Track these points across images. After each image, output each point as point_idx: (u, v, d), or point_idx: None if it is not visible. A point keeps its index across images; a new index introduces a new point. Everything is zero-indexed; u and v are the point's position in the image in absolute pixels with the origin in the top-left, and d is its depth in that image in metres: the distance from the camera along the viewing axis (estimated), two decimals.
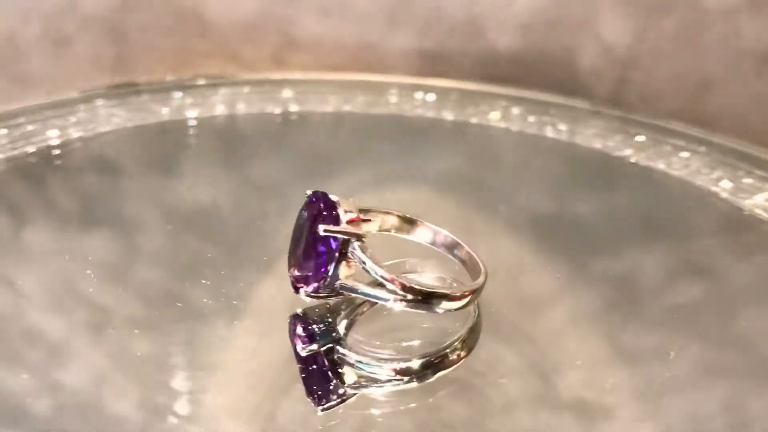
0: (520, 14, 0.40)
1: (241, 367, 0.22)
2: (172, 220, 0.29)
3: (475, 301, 0.23)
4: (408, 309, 0.22)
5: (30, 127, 0.33)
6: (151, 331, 0.23)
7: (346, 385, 0.21)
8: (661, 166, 0.33)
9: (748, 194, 0.31)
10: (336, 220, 0.22)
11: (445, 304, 0.22)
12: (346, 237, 0.22)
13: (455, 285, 0.24)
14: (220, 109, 0.37)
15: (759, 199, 0.30)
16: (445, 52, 0.42)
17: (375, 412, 0.21)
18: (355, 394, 0.21)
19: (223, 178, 0.32)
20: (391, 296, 0.21)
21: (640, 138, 0.35)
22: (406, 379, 0.21)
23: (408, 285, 0.21)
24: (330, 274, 0.22)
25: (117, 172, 0.32)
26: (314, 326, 0.23)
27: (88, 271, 0.25)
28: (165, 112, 0.36)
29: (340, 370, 0.21)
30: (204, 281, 0.25)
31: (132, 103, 0.37)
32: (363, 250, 0.22)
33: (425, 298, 0.21)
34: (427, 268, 0.25)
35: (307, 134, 0.36)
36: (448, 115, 0.38)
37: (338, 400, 0.20)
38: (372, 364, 0.21)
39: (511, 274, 0.27)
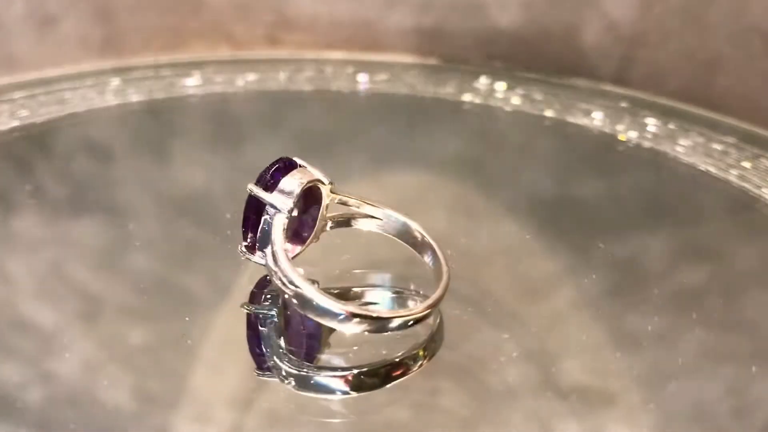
0: None
1: (236, 356, 0.22)
2: (163, 204, 0.29)
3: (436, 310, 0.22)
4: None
5: (17, 106, 0.34)
6: (144, 319, 0.23)
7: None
8: (666, 147, 0.33)
9: (755, 177, 0.31)
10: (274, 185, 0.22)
11: (402, 323, 0.21)
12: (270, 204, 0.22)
13: (411, 303, 0.24)
14: (213, 89, 0.37)
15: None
16: (445, 30, 0.42)
17: (373, 397, 0.21)
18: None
19: (215, 160, 0.32)
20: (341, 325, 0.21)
21: (645, 119, 0.35)
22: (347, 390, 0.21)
23: (358, 312, 0.21)
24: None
25: (105, 154, 0.32)
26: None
27: (78, 258, 0.25)
28: (156, 92, 0.37)
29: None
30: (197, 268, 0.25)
31: (121, 82, 0.37)
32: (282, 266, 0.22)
33: (380, 325, 0.21)
34: (382, 281, 0.25)
35: (302, 115, 0.37)
36: (447, 95, 0.38)
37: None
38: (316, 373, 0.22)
39: (512, 259, 0.27)
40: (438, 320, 0.23)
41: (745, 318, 0.24)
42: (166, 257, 0.26)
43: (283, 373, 0.21)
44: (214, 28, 0.43)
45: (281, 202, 0.22)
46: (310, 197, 0.23)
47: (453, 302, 0.23)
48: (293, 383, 0.21)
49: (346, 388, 0.21)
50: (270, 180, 0.22)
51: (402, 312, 0.22)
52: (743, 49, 0.38)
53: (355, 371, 0.21)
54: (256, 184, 0.22)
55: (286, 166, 0.23)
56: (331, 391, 0.21)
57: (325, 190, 0.23)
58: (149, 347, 0.22)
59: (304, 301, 0.21)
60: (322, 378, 0.21)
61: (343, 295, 0.23)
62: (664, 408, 0.21)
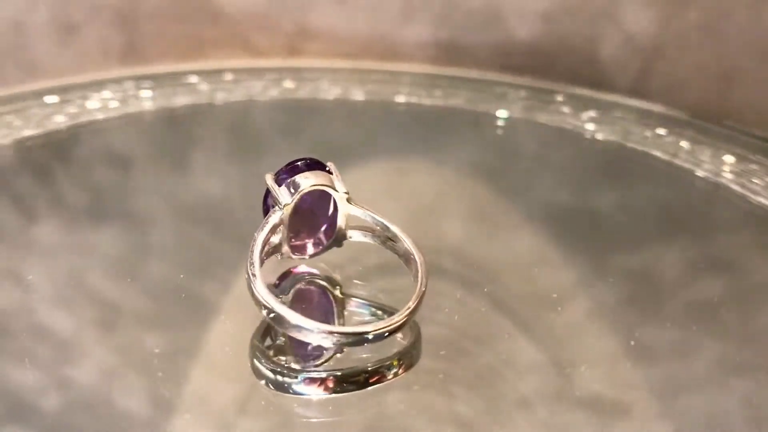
0: (540, 2, 0.40)
1: (251, 363, 0.22)
2: (181, 212, 0.29)
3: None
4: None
5: (37, 112, 0.34)
6: (160, 327, 0.23)
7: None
8: (682, 159, 0.33)
9: None
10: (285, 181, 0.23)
11: (378, 335, 0.21)
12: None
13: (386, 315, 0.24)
14: (231, 97, 0.38)
15: None
16: (462, 41, 0.42)
17: (389, 399, 0.21)
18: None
19: (234, 169, 0.33)
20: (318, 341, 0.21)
21: (662, 130, 0.35)
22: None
23: (333, 330, 0.21)
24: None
25: (125, 162, 0.32)
26: None
27: (96, 265, 0.25)
28: (176, 99, 0.37)
29: None
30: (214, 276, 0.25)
31: (141, 89, 0.37)
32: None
33: (357, 339, 0.21)
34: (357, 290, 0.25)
35: (320, 123, 0.37)
36: (464, 105, 0.38)
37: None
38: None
39: (528, 268, 0.27)
40: (416, 333, 0.23)
41: (760, 330, 0.24)
42: (183, 265, 0.26)
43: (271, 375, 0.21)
44: (233, 37, 0.43)
45: (283, 197, 0.22)
46: (323, 201, 0.23)
47: (467, 310, 0.23)
48: (272, 387, 0.21)
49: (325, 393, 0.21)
50: (283, 174, 0.23)
51: (379, 325, 0.21)
52: (760, 62, 0.38)
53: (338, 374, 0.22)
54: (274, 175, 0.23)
55: (308, 165, 0.23)
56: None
57: (339, 198, 0.23)
58: (165, 354, 0.22)
59: (280, 319, 0.21)
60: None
61: None
62: (679, 419, 0.21)
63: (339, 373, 0.21)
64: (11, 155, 0.32)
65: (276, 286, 0.24)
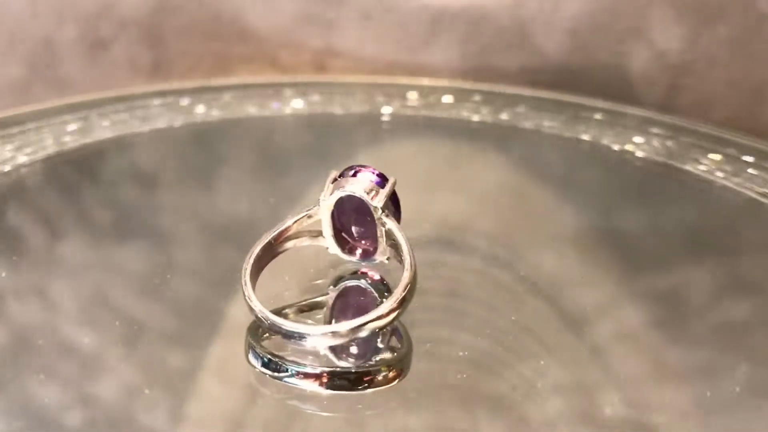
0: (569, 18, 0.40)
1: (274, 382, 0.22)
2: (206, 230, 0.29)
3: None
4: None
5: (65, 128, 0.34)
6: (184, 345, 0.23)
7: None
8: (712, 176, 0.33)
9: None
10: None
11: (370, 329, 0.21)
12: None
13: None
14: (261, 113, 0.38)
15: None
16: (490, 57, 0.42)
17: (411, 421, 0.21)
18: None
19: (259, 186, 0.33)
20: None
21: (692, 147, 0.35)
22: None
23: (325, 332, 0.22)
24: None
25: (151, 179, 0.33)
26: None
27: (121, 283, 0.26)
28: (200, 116, 0.37)
29: None
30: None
31: (167, 106, 0.37)
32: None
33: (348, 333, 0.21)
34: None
35: (343, 139, 0.37)
36: (489, 119, 0.38)
37: None
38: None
39: (554, 289, 0.27)
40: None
41: None
42: (208, 283, 0.26)
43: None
44: (260, 54, 0.43)
45: (324, 193, 0.23)
46: (364, 213, 0.24)
47: (492, 332, 0.23)
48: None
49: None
50: (340, 175, 0.24)
51: (366, 318, 0.21)
52: None
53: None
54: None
55: (379, 179, 0.24)
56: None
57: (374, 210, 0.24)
58: (188, 372, 0.22)
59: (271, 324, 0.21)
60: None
61: (319, 304, 0.24)
62: None
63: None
64: (40, 172, 0.32)
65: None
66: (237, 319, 0.24)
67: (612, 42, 0.40)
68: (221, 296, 0.25)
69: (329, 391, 0.21)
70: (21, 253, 0.27)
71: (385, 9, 0.42)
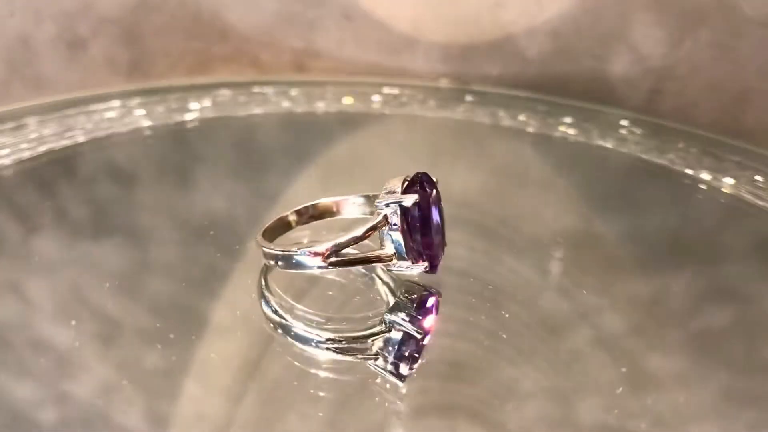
0: (551, 21, 0.40)
1: (251, 380, 0.22)
2: (183, 228, 0.29)
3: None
4: None
5: (43, 127, 0.34)
6: (160, 343, 0.23)
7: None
8: (694, 180, 0.33)
9: None
10: None
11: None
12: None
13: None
14: (237, 112, 0.38)
15: None
16: (472, 59, 0.42)
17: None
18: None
19: (237, 185, 0.33)
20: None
21: (672, 151, 0.35)
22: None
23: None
24: None
25: (128, 177, 0.32)
26: None
27: (97, 280, 0.26)
28: (180, 116, 0.37)
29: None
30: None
31: (145, 105, 0.37)
32: None
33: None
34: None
35: (323, 138, 0.37)
36: (476, 119, 0.38)
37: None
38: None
39: (532, 294, 0.27)
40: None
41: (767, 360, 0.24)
42: (185, 281, 0.26)
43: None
44: (240, 53, 0.43)
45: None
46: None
47: (470, 335, 0.23)
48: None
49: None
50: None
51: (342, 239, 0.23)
52: None
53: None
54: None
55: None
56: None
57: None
58: (164, 370, 0.22)
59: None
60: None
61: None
62: None
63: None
64: (18, 170, 0.32)
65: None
66: (214, 318, 0.24)
67: (594, 45, 0.40)
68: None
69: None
70: None
71: (366, 10, 0.42)
